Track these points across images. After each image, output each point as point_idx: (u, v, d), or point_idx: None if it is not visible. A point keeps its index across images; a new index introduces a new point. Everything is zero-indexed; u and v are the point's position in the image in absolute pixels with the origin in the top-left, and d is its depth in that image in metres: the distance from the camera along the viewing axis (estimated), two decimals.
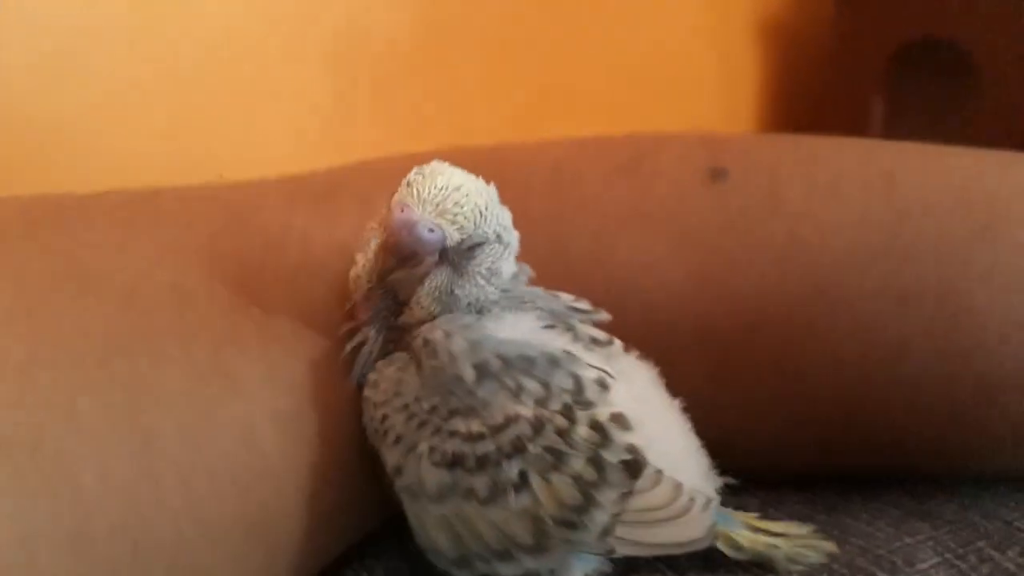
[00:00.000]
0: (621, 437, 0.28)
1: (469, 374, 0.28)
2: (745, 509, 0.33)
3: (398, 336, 0.31)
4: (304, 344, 0.31)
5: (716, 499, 0.31)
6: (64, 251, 0.29)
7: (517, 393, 0.28)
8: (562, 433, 0.28)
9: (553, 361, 0.29)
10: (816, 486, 0.38)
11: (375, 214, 0.37)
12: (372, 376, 0.30)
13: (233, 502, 0.27)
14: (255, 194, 0.36)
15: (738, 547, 0.32)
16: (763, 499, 0.36)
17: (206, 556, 0.26)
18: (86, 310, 0.27)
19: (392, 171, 0.40)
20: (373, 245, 0.30)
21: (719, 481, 0.32)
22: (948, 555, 0.33)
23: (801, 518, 0.34)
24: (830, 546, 0.33)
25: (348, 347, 0.31)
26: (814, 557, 0.32)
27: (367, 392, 0.30)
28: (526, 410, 0.28)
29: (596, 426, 0.28)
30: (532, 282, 0.32)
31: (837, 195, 0.36)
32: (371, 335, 0.31)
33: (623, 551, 0.30)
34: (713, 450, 0.32)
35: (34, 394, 0.24)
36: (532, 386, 0.28)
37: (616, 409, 0.29)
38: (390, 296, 0.30)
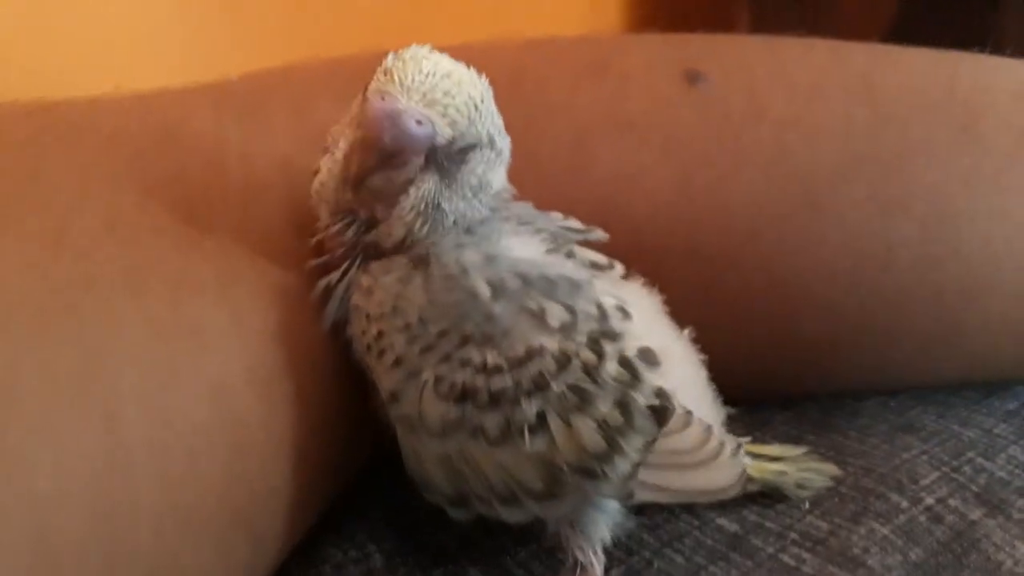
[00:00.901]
0: (649, 377, 0.25)
1: (483, 290, 0.24)
2: (734, 434, 0.31)
3: None
4: (267, 281, 0.26)
5: (744, 444, 0.29)
6: None
7: (540, 317, 0.24)
8: (589, 370, 0.24)
9: (575, 285, 0.25)
10: (798, 406, 0.37)
11: (309, 123, 0.31)
12: (365, 280, 0.25)
13: (215, 483, 0.22)
14: (175, 103, 0.30)
15: (748, 479, 0.30)
16: (749, 423, 0.34)
17: (188, 555, 0.21)
18: (9, 259, 0.21)
19: (321, 76, 0.35)
20: (342, 146, 0.25)
21: (724, 413, 0.30)
22: (944, 468, 0.32)
23: (791, 440, 0.33)
24: (832, 468, 0.32)
25: (320, 286, 0.26)
26: (820, 481, 0.31)
27: (358, 300, 0.25)
28: (551, 342, 0.24)
29: (625, 363, 0.25)
30: (515, 198, 0.28)
31: (819, 99, 0.34)
32: (347, 271, 0.26)
33: (644, 497, 0.27)
34: None
35: None
36: (556, 310, 0.25)
37: (643, 343, 0.26)
38: (363, 223, 0.25)
